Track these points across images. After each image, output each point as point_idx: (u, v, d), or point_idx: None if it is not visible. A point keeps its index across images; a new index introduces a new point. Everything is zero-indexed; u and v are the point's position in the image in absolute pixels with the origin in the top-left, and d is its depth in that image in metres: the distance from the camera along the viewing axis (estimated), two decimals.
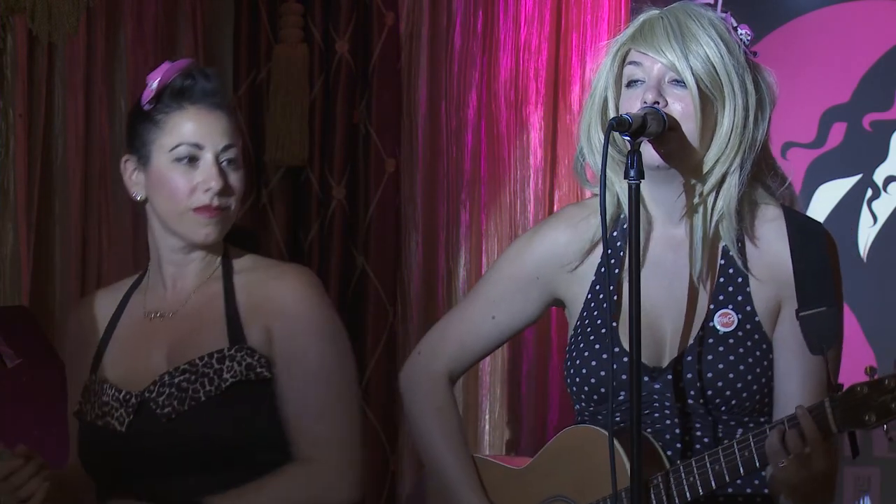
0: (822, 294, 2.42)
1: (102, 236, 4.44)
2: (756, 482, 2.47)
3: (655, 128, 2.41)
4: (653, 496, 2.38)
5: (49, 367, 3.65)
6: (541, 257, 2.64)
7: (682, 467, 2.37)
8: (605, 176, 2.42)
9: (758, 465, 2.32)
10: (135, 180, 2.70)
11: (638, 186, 2.38)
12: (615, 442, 2.34)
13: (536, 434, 4.73)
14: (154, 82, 2.67)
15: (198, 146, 2.64)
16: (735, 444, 2.33)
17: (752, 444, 2.31)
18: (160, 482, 2.60)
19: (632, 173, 2.38)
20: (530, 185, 4.75)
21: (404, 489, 4.75)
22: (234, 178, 2.67)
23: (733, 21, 2.52)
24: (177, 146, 2.64)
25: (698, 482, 2.35)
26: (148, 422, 2.61)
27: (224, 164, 2.65)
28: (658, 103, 2.44)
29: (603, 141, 2.40)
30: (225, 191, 2.64)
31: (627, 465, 2.36)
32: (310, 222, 4.79)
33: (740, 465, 2.33)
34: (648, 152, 2.45)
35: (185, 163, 2.64)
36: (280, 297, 2.65)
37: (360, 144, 4.80)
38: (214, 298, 2.68)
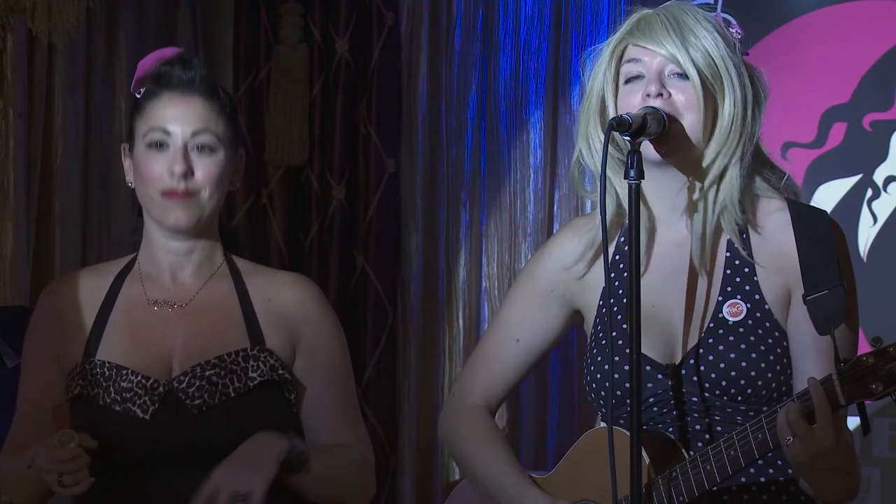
0: (827, 276, 2.43)
1: (102, 236, 4.44)
2: (771, 471, 2.47)
3: (655, 128, 2.42)
4: (672, 490, 2.38)
5: None
6: (551, 270, 2.65)
7: (698, 457, 2.37)
8: (605, 177, 2.42)
9: (771, 445, 2.32)
10: (127, 168, 2.75)
11: (638, 186, 2.38)
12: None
13: (536, 435, 4.73)
14: (138, 70, 2.73)
15: (166, 132, 2.67)
16: (748, 427, 2.33)
17: (764, 425, 2.32)
18: (179, 474, 2.59)
19: (632, 173, 2.38)
20: (530, 185, 4.76)
21: (404, 489, 4.76)
22: (207, 163, 2.68)
23: (728, 20, 2.54)
24: (149, 132, 2.68)
25: (715, 469, 2.36)
26: (176, 412, 2.61)
27: (196, 148, 2.67)
28: (662, 94, 2.45)
29: (603, 142, 2.40)
30: (190, 174, 2.65)
31: (648, 462, 2.39)
32: (310, 222, 4.79)
33: (754, 448, 2.33)
34: (648, 150, 2.46)
35: (156, 148, 2.67)
36: (302, 306, 2.73)
37: (360, 144, 4.80)
38: (226, 296, 2.71)
